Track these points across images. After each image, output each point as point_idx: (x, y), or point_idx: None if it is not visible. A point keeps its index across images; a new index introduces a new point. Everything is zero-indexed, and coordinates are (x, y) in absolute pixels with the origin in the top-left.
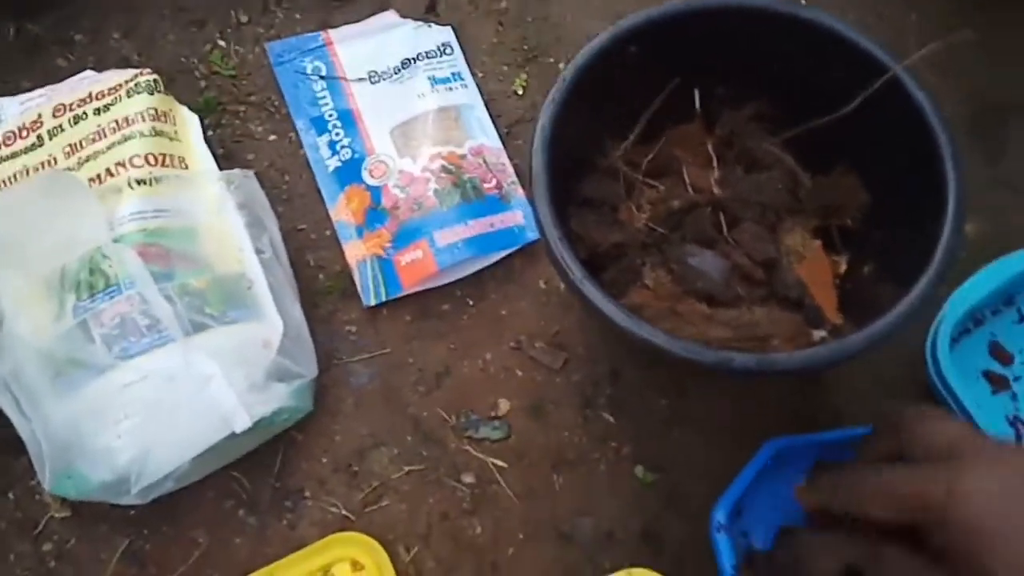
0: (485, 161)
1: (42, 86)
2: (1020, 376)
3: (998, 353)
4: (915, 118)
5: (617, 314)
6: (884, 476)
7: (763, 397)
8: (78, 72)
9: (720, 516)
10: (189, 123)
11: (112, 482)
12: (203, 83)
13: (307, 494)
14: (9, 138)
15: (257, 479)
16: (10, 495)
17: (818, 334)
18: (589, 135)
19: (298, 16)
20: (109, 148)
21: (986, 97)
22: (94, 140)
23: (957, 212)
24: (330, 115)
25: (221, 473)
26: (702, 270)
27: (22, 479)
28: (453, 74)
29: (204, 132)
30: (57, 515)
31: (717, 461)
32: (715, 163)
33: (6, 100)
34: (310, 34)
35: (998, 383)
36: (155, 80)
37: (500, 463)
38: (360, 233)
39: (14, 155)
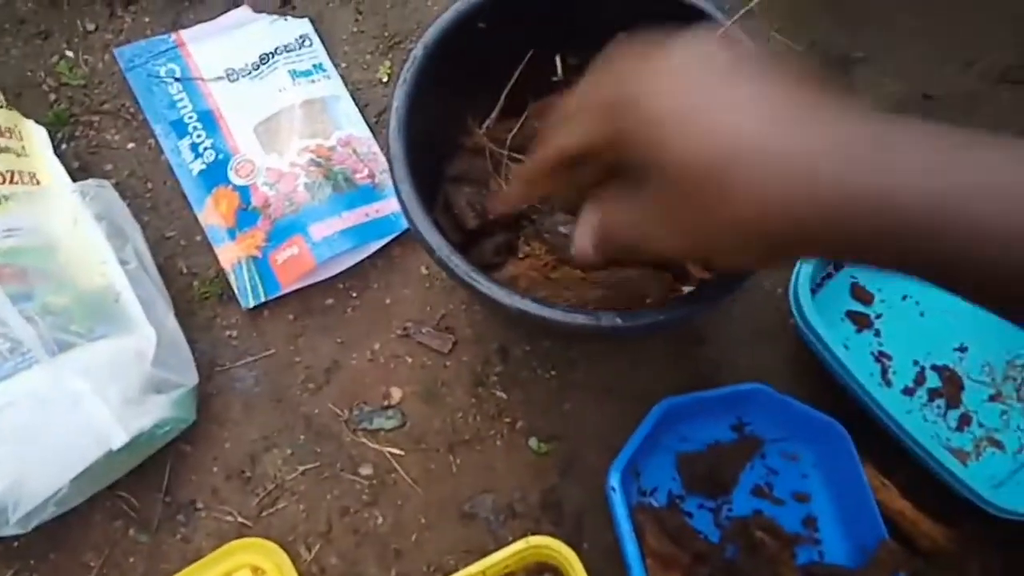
0: (355, 151)
1: None
2: (881, 313)
3: (859, 293)
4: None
5: (485, 285)
6: (564, 100)
7: (646, 359)
8: None
9: (613, 480)
10: (36, 137)
11: None
12: (52, 96)
13: (200, 505)
14: None
15: (145, 496)
16: None
17: (687, 289)
18: (451, 115)
19: (147, 19)
20: None
21: (831, 46)
22: None
23: None
24: (189, 117)
25: (107, 493)
26: (573, 234)
27: None
28: (314, 66)
29: (57, 145)
30: None
31: (609, 425)
32: None
33: None
34: (160, 36)
35: (861, 322)
36: None
37: (397, 451)
38: (232, 235)
39: None
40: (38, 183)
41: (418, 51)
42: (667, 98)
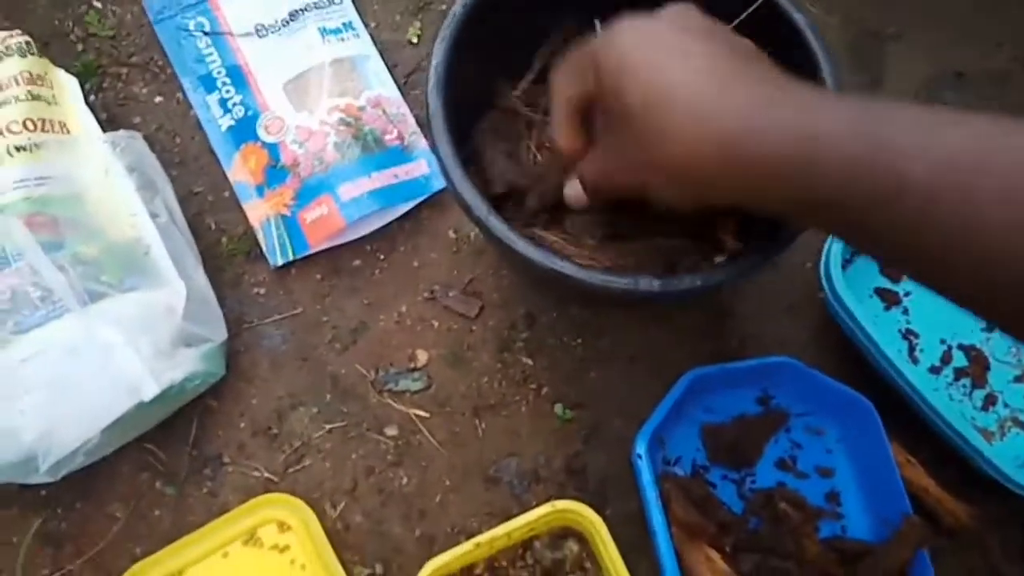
0: (385, 112)
1: None
2: (909, 291)
3: (888, 270)
4: (795, 40)
5: (523, 246)
6: (568, 55)
7: (674, 329)
8: None
9: (640, 447)
10: (67, 86)
11: (18, 461)
12: (80, 46)
13: (226, 460)
14: None
15: (172, 449)
16: None
17: (719, 259)
18: (485, 75)
19: None
20: None
21: (864, 25)
22: None
23: None
24: (218, 72)
25: (134, 445)
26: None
27: None
28: (344, 24)
29: (85, 96)
30: None
31: (633, 393)
32: None
33: None
34: None
35: (890, 299)
36: (27, 42)
37: (422, 413)
38: (261, 192)
39: None
40: (68, 132)
41: (457, 8)
42: (633, 52)
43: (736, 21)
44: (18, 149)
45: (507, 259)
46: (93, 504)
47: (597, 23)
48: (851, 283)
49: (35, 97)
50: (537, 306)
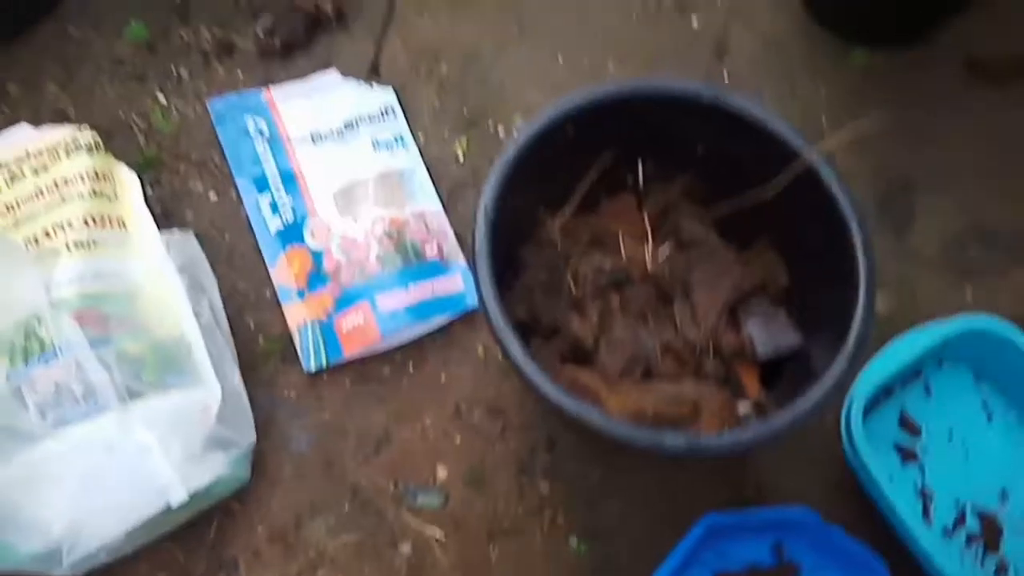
0: (427, 225)
1: None
2: (927, 447)
3: (907, 424)
4: (828, 205)
5: (555, 393)
6: None
7: (692, 469)
8: (12, 123)
9: None
10: (129, 183)
11: (43, 553)
12: (142, 139)
13: (241, 565)
14: None
15: (191, 549)
16: None
17: (743, 406)
18: (528, 206)
19: (240, 73)
20: (47, 210)
21: (894, 173)
22: (31, 200)
23: (867, 303)
24: (272, 174)
25: (154, 544)
26: (638, 345)
27: None
28: (396, 138)
29: (143, 190)
30: None
31: (648, 532)
32: (649, 237)
33: None
34: (252, 91)
35: (907, 455)
36: (95, 140)
37: (438, 534)
38: (301, 296)
39: None
40: (125, 228)
41: (510, 153)
42: None
43: (775, 182)
44: (77, 245)
45: (537, 398)
46: None
47: (640, 164)
48: (870, 436)
49: (97, 194)
50: (558, 431)
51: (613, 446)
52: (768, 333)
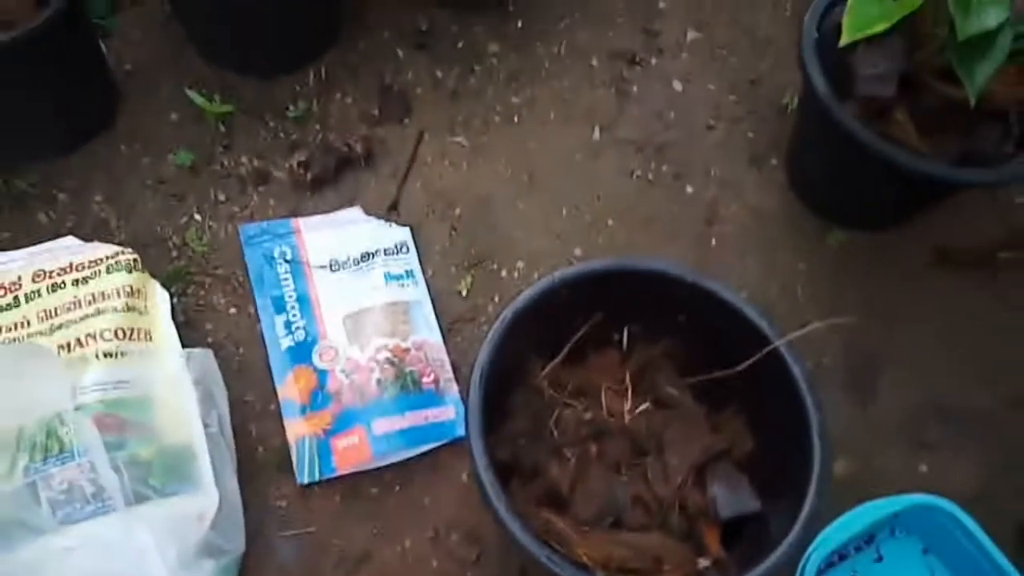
0: (426, 356)
1: (21, 239)
2: None
3: None
4: (791, 387)
5: (535, 549)
6: None
7: None
8: (58, 229)
9: None
10: (160, 299)
11: None
12: (175, 253)
13: None
14: None
15: None
16: None
17: (703, 563)
18: (522, 355)
19: (272, 201)
20: (82, 319)
21: (862, 347)
22: (69, 309)
23: (821, 480)
24: (290, 296)
25: None
26: (611, 496)
27: None
28: (407, 271)
29: (170, 302)
30: None
31: None
32: (629, 393)
33: None
34: (282, 220)
35: None
36: (135, 260)
37: None
38: (303, 412)
39: None
40: (151, 341)
41: (507, 314)
42: None
43: (742, 366)
44: (105, 355)
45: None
46: None
47: (625, 331)
48: None
49: (130, 308)
50: (531, 566)
51: None
52: (731, 496)
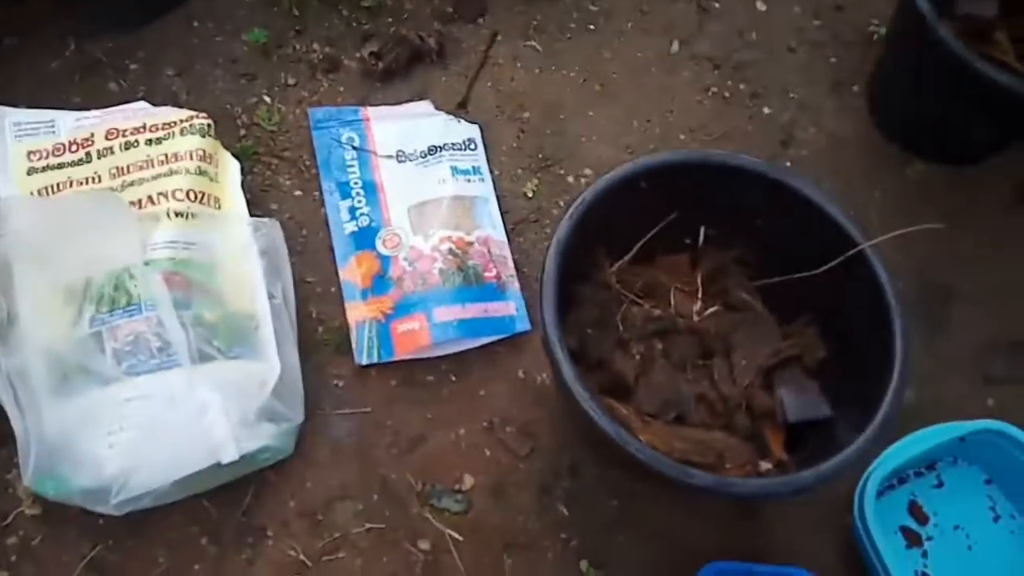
0: (489, 251)
1: (92, 105)
2: (933, 536)
3: (916, 512)
4: (875, 292)
5: (605, 421)
6: None
7: (703, 515)
8: (128, 98)
9: None
10: (230, 168)
11: (94, 489)
12: (243, 131)
13: (269, 533)
14: (59, 149)
15: (225, 510)
16: None
17: (764, 465)
18: (590, 248)
19: (341, 88)
20: (155, 178)
21: (936, 278)
22: (141, 168)
23: (899, 388)
24: (355, 183)
25: (191, 498)
26: (674, 391)
27: None
28: (473, 167)
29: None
30: (28, 511)
31: (656, 568)
32: (700, 295)
33: (62, 114)
34: (351, 107)
35: (912, 539)
36: (208, 124)
37: (456, 535)
38: (364, 296)
39: (60, 166)
40: (219, 208)
41: (588, 194)
42: None
43: (829, 265)
44: (177, 214)
45: (578, 423)
46: (142, 544)
47: (702, 230)
48: (879, 514)
49: (201, 172)
50: (583, 459)
51: (641, 475)
52: (800, 401)
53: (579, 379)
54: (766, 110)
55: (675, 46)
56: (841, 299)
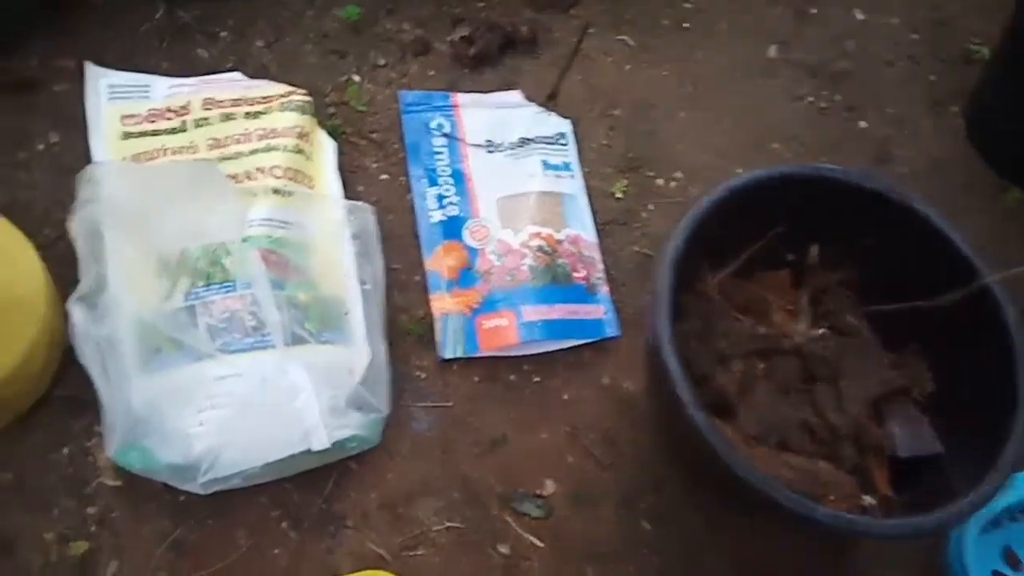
0: (579, 251)
1: (180, 72)
2: None
3: (1010, 557)
4: (999, 330)
5: (722, 445)
6: None
7: (791, 547)
8: (218, 66)
9: None
10: (326, 147)
11: (181, 466)
12: (332, 110)
13: (350, 523)
14: (153, 116)
15: (307, 497)
16: (64, 451)
17: (867, 499)
18: (694, 258)
19: (431, 72)
20: (252, 152)
21: None
22: (239, 141)
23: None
24: (444, 171)
25: (274, 482)
26: (776, 415)
27: (78, 439)
28: (564, 163)
29: None
30: (109, 483)
31: None
32: (807, 316)
33: (156, 79)
34: (441, 92)
35: None
36: (308, 102)
37: (537, 541)
38: (450, 287)
39: (155, 133)
40: (313, 187)
41: (706, 201)
42: None
43: (949, 297)
44: (275, 191)
45: (677, 440)
46: (223, 524)
47: (815, 249)
48: (975, 557)
49: (299, 151)
50: (670, 476)
51: (747, 501)
52: (911, 436)
53: (695, 398)
54: (862, 124)
55: (772, 51)
56: (953, 331)
